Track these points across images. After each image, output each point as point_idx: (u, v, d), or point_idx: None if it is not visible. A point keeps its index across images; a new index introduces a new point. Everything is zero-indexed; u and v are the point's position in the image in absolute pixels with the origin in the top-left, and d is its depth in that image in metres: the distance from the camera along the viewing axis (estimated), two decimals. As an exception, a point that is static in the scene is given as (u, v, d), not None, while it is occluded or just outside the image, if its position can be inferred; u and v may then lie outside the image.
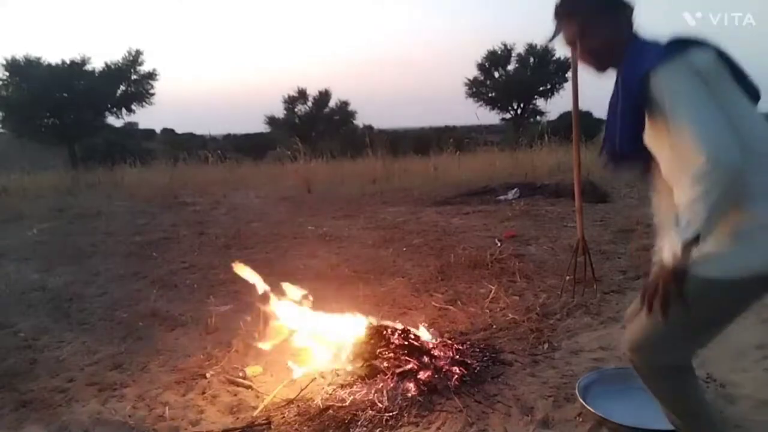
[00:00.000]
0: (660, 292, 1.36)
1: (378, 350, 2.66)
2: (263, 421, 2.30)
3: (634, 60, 1.46)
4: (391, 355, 2.62)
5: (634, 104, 1.47)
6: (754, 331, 2.80)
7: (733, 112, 1.37)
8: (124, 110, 26.18)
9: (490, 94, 31.84)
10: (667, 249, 1.35)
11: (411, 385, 2.43)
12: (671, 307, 1.36)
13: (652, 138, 1.52)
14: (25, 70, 23.56)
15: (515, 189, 8.29)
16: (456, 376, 2.51)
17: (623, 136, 1.52)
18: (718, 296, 1.44)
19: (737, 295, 1.46)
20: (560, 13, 1.60)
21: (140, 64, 25.80)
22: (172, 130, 38.04)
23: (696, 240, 1.30)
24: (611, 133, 1.57)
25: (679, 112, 1.34)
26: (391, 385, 2.44)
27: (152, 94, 26.23)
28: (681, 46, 1.39)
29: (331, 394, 2.45)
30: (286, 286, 3.06)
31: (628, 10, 1.56)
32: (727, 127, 1.31)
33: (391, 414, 2.27)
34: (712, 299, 1.43)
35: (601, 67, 1.59)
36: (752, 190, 1.36)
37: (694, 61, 1.37)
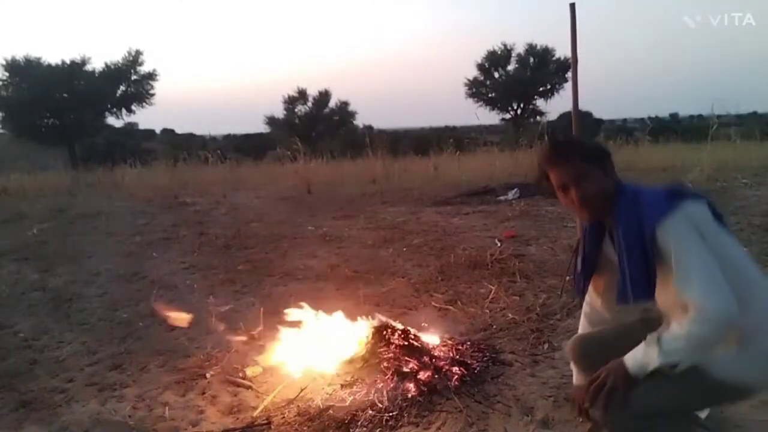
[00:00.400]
0: (607, 390, 1.52)
1: (378, 350, 2.66)
2: (263, 421, 2.30)
3: (634, 213, 1.54)
4: (391, 355, 2.62)
5: (645, 256, 1.53)
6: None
7: (726, 251, 1.51)
8: (124, 110, 26.20)
9: (490, 94, 31.85)
10: (639, 356, 1.50)
11: (411, 385, 2.43)
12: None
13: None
14: (25, 70, 23.56)
15: (515, 189, 8.29)
16: (456, 376, 2.51)
17: (637, 284, 1.57)
18: (709, 389, 1.54)
19: (724, 394, 1.59)
20: (552, 160, 1.66)
21: (140, 65, 25.82)
22: (172, 130, 38.07)
23: (672, 368, 1.44)
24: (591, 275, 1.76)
25: (682, 262, 1.45)
26: (391, 385, 2.45)
27: (152, 95, 26.26)
28: (678, 198, 1.50)
29: (331, 394, 2.46)
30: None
31: (612, 159, 1.66)
32: (723, 281, 1.43)
33: (391, 414, 2.27)
34: (703, 389, 1.54)
35: (595, 214, 1.65)
36: (752, 317, 1.47)
37: (692, 214, 1.49)
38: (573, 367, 2.02)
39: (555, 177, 1.66)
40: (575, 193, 1.61)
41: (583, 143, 1.68)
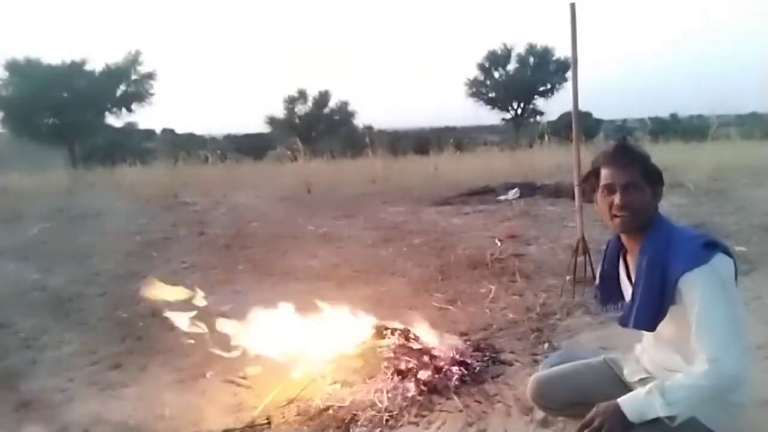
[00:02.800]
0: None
1: (378, 350, 2.66)
2: (263, 421, 2.30)
3: (662, 250, 1.56)
4: (391, 355, 2.62)
5: (661, 295, 1.56)
6: (755, 331, 2.80)
7: (738, 313, 1.53)
8: (124, 110, 26.16)
9: (490, 94, 31.81)
10: (639, 403, 1.51)
11: (411, 385, 2.43)
12: None
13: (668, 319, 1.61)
14: (25, 70, 23.51)
15: (515, 189, 8.29)
16: (456, 376, 2.51)
17: (643, 315, 1.60)
18: None
19: None
20: (614, 159, 1.63)
21: (140, 64, 25.79)
22: (172, 130, 37.96)
23: (671, 419, 1.46)
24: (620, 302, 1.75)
25: (706, 316, 1.47)
26: (391, 385, 2.44)
27: (152, 94, 26.22)
28: (712, 251, 1.51)
29: (331, 394, 2.45)
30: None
31: (662, 188, 1.66)
32: (742, 340, 1.49)
33: (391, 414, 2.27)
34: None
35: (628, 225, 1.64)
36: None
37: (721, 270, 1.51)
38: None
39: (609, 176, 1.63)
40: (621, 197, 1.59)
41: (647, 158, 1.66)
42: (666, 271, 1.54)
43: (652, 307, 1.57)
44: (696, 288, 1.48)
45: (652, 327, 1.61)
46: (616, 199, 1.60)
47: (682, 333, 1.56)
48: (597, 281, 1.90)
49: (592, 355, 2.02)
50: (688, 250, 1.52)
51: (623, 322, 1.67)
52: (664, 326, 1.60)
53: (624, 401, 1.54)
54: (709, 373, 1.45)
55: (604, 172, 1.65)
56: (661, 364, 1.69)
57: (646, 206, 1.61)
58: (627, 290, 1.74)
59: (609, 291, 1.85)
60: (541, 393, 1.93)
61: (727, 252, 1.55)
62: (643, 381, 1.72)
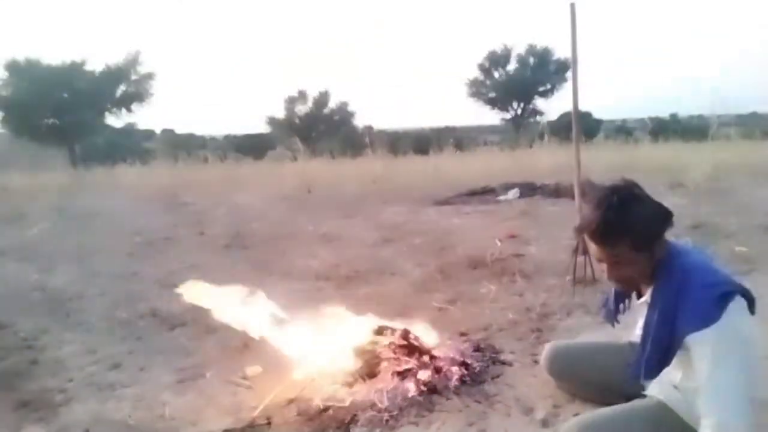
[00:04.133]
0: None
1: (378, 350, 2.65)
2: (263, 421, 2.30)
3: (674, 300, 1.47)
4: (391, 355, 2.62)
5: (669, 348, 1.50)
6: (756, 331, 2.79)
7: (751, 368, 1.44)
8: (124, 110, 26.15)
9: (490, 94, 31.83)
10: None
11: (411, 385, 2.43)
12: None
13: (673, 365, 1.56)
14: (25, 70, 23.50)
15: (515, 189, 8.30)
16: (456, 376, 2.51)
17: (651, 368, 1.55)
18: None
19: None
20: (597, 237, 1.52)
21: (140, 64, 25.78)
22: (172, 130, 37.97)
23: None
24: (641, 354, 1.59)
25: (714, 377, 1.40)
26: (391, 385, 2.44)
27: (152, 94, 26.21)
28: (723, 304, 1.40)
29: (331, 394, 2.45)
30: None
31: (666, 230, 1.52)
32: (748, 401, 1.39)
33: (391, 414, 2.26)
34: None
35: (628, 290, 1.62)
36: None
37: (734, 324, 1.41)
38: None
39: (594, 250, 1.56)
40: (610, 273, 1.56)
41: (637, 227, 1.48)
42: (675, 326, 1.47)
43: (660, 359, 1.53)
44: (705, 347, 1.41)
45: (657, 374, 1.56)
46: (606, 272, 1.56)
47: (687, 375, 1.53)
48: (610, 299, 1.83)
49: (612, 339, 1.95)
50: (698, 306, 1.43)
51: (633, 375, 1.61)
52: (683, 374, 1.56)
53: None
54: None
55: (590, 244, 1.57)
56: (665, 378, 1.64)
57: (639, 273, 1.54)
58: (634, 319, 1.70)
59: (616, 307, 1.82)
60: (557, 359, 1.90)
61: (744, 292, 1.46)
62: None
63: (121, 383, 2.77)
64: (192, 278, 4.60)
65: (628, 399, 1.74)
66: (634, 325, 1.82)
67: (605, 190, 1.52)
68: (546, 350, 1.92)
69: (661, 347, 1.51)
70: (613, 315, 1.83)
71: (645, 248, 1.50)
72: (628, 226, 1.47)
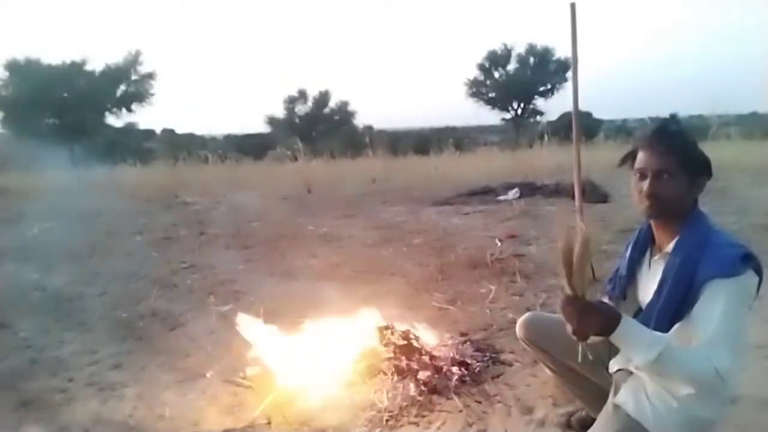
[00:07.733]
0: (585, 323, 1.63)
1: (378, 350, 2.66)
2: (263, 421, 2.30)
3: (697, 251, 1.49)
4: (391, 355, 2.62)
5: (684, 299, 1.49)
6: (755, 330, 2.79)
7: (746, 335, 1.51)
8: (124, 110, 26.18)
9: (490, 94, 31.85)
10: (640, 327, 1.46)
11: (411, 385, 2.43)
12: None
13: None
14: (25, 70, 23.54)
15: (515, 189, 8.30)
16: (456, 376, 2.51)
17: (662, 317, 1.54)
18: None
19: None
20: (650, 144, 1.55)
21: (140, 64, 25.81)
22: (172, 130, 37.95)
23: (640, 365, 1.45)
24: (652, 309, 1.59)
25: (722, 324, 1.41)
26: (391, 385, 2.44)
27: (152, 94, 26.24)
28: (748, 264, 1.44)
29: (331, 394, 2.45)
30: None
31: (706, 181, 1.57)
32: (738, 358, 1.45)
33: (391, 414, 2.27)
34: None
35: (655, 213, 1.58)
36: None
37: (749, 288, 1.45)
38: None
39: (642, 160, 1.56)
40: (650, 185, 1.53)
41: (690, 146, 1.55)
42: (695, 272, 1.47)
43: (672, 309, 1.51)
44: (720, 295, 1.42)
45: (666, 330, 1.52)
46: (646, 185, 1.54)
47: (683, 339, 1.49)
48: (621, 271, 1.81)
49: None
50: (724, 257, 1.44)
51: (644, 323, 1.55)
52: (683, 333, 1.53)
53: (626, 326, 1.45)
54: (706, 380, 1.39)
55: (639, 156, 1.57)
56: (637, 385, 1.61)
57: (677, 196, 1.53)
58: (645, 285, 1.68)
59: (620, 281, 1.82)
60: (530, 325, 1.99)
61: (759, 270, 1.47)
62: (619, 372, 1.70)
63: (121, 383, 2.77)
64: (191, 279, 4.62)
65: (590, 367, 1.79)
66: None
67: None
68: (521, 318, 2.01)
69: (679, 292, 1.50)
70: (624, 282, 1.81)
71: (691, 172, 1.53)
72: (682, 140, 1.56)
